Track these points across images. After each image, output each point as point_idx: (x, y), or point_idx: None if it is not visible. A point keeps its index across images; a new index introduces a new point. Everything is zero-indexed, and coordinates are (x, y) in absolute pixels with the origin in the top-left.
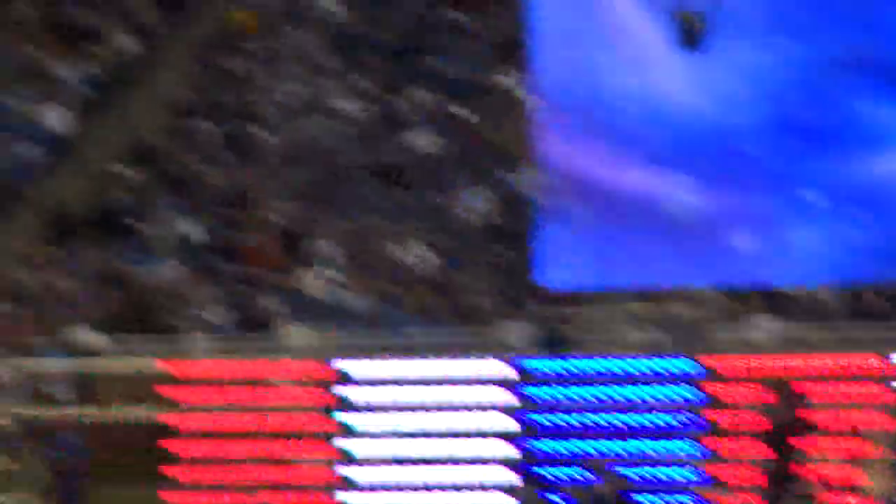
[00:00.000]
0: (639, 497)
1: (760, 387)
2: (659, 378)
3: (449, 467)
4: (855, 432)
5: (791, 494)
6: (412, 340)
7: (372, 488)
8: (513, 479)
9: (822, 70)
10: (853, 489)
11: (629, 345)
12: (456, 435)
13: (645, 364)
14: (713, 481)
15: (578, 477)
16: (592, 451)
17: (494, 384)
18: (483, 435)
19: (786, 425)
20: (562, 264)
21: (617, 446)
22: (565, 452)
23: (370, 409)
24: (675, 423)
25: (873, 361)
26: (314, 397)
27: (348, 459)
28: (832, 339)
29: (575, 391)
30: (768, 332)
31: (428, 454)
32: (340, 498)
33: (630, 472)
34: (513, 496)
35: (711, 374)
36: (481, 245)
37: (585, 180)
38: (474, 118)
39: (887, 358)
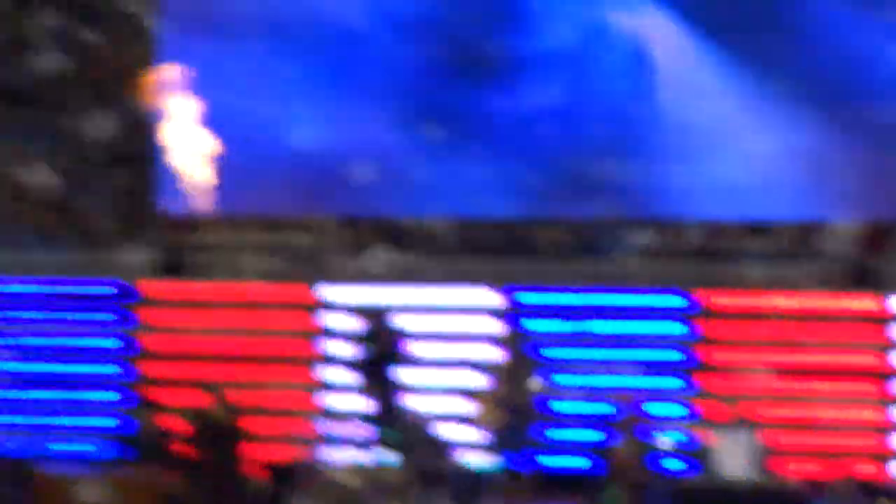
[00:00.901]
0: None
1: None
2: None
3: None
4: (462, 363)
5: (392, 424)
6: (32, 260)
7: None
8: None
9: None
10: (465, 420)
11: (249, 271)
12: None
13: None
14: None
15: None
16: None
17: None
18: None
19: (383, 356)
20: (184, 190)
21: None
22: None
23: None
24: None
25: (486, 294)
26: None
27: None
28: (446, 271)
29: None
30: (385, 263)
31: None
32: None
33: None
34: None
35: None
36: (104, 168)
37: (214, 108)
38: (101, 41)
39: (504, 291)
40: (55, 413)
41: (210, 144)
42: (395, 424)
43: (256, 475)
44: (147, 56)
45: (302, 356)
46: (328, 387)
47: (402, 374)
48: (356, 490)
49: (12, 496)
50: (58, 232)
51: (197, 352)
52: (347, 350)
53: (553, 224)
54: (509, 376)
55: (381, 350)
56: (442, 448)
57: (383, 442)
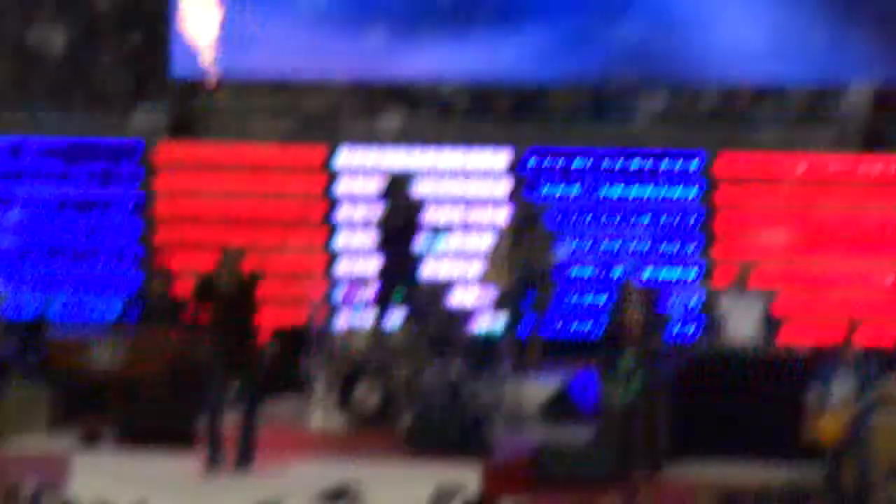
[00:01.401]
0: None
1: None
2: None
3: None
4: (478, 226)
5: (404, 287)
6: (44, 121)
7: None
8: None
9: None
10: (477, 284)
11: (260, 134)
12: None
13: None
14: None
15: None
16: None
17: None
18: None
19: (396, 219)
20: (195, 52)
21: None
22: None
23: None
24: None
25: (499, 157)
26: None
27: None
28: (458, 134)
29: None
30: (397, 126)
31: None
32: None
33: None
34: None
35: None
36: (115, 30)
37: None
38: None
39: (517, 154)
40: (68, 277)
41: (221, 6)
42: (407, 288)
43: (268, 339)
44: None
45: (314, 219)
46: (340, 250)
47: (415, 237)
48: (366, 353)
49: (26, 359)
50: (70, 94)
51: (209, 215)
52: (360, 213)
53: (567, 87)
54: (521, 240)
55: (394, 213)
56: (453, 312)
57: (395, 305)
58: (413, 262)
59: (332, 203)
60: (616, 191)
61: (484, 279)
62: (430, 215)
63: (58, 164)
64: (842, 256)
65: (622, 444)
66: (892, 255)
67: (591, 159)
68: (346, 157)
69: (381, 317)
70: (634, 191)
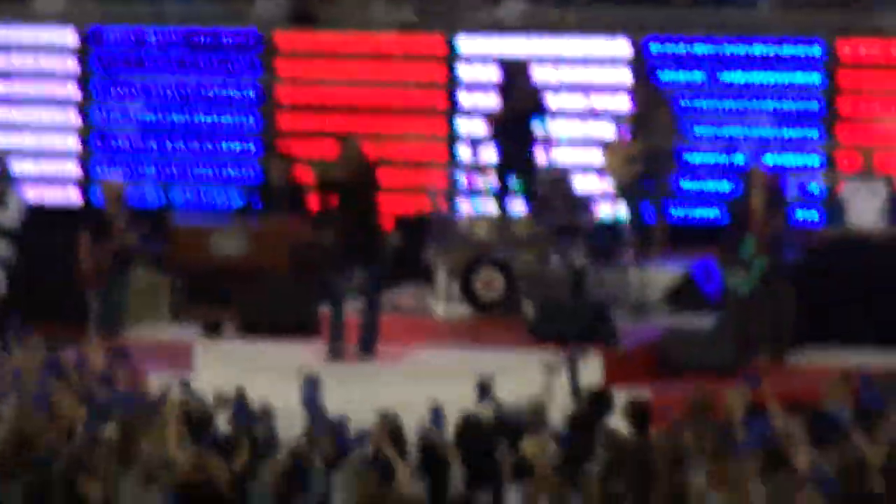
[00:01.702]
0: None
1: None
2: None
3: None
4: (600, 114)
5: (526, 175)
6: (165, 10)
7: None
8: None
9: None
10: (599, 171)
11: (380, 22)
12: None
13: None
14: None
15: None
16: None
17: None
18: None
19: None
20: None
21: None
22: None
23: None
24: None
25: (620, 43)
26: None
27: None
28: (580, 21)
29: None
30: (519, 13)
31: None
32: None
33: None
34: None
35: None
36: None
37: None
38: None
39: (638, 40)
40: (190, 164)
41: None
42: (528, 176)
43: (390, 227)
44: None
45: (436, 107)
46: (461, 138)
47: (537, 125)
48: (488, 242)
49: (149, 247)
50: None
51: (330, 103)
52: (482, 101)
53: None
54: (643, 127)
55: (516, 101)
56: (575, 200)
57: (517, 193)
58: (535, 149)
59: (453, 91)
60: (738, 76)
61: (606, 167)
62: (551, 102)
63: (180, 53)
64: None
65: (746, 331)
66: None
67: (713, 45)
68: (467, 44)
69: (503, 205)
70: (756, 76)
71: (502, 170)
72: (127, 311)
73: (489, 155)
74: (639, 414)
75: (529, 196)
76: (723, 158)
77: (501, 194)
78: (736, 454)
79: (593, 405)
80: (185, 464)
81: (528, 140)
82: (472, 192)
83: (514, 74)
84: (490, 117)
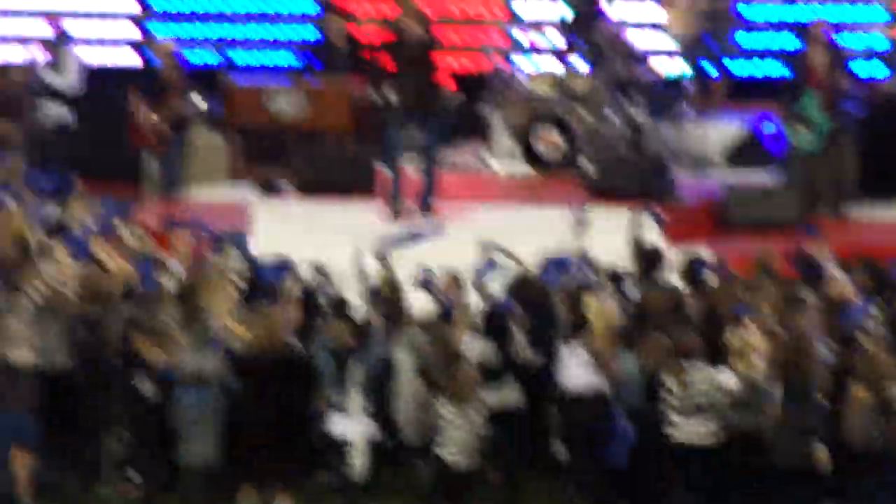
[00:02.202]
0: None
1: None
2: None
3: None
4: None
5: (585, 32)
6: None
7: None
8: None
9: None
10: (657, 27)
11: None
12: None
13: None
14: None
15: None
16: None
17: None
18: None
19: None
20: None
21: None
22: None
23: None
24: None
25: None
26: None
27: None
28: None
29: None
30: None
31: None
32: None
33: None
34: None
35: None
36: None
37: None
38: None
39: None
40: (247, 23)
41: None
42: (588, 32)
43: (448, 85)
44: None
45: None
46: None
47: None
48: (547, 98)
49: (208, 108)
50: None
51: None
52: None
53: None
54: None
55: None
56: (634, 55)
57: (574, 51)
58: (594, 5)
59: None
60: None
61: (667, 21)
62: None
63: None
64: None
65: (809, 187)
66: None
67: None
68: None
69: (562, 62)
70: None
71: (562, 26)
72: (184, 172)
73: (549, 12)
74: (695, 270)
75: (590, 52)
76: (784, 13)
77: (559, 51)
78: (798, 309)
79: (647, 262)
80: (243, 326)
81: None
82: (530, 49)
83: None
84: None
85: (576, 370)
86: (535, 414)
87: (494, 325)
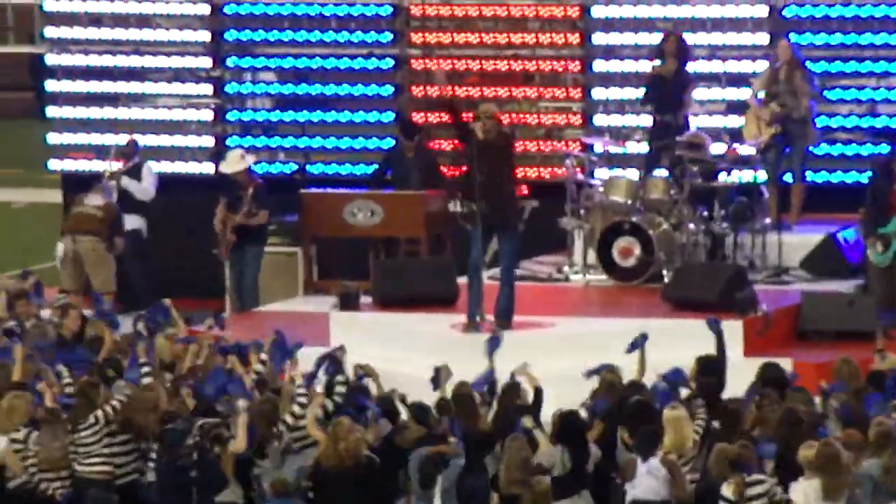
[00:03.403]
0: None
1: None
2: None
3: None
4: (737, 77)
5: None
6: None
7: None
8: None
9: None
10: (735, 135)
11: None
12: None
13: None
14: None
15: None
16: None
17: None
18: None
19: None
20: None
21: None
22: None
23: None
24: None
25: (757, 7)
26: None
27: None
28: None
29: None
30: None
31: None
32: None
33: None
34: None
35: None
36: None
37: None
38: None
39: (776, 5)
40: (325, 136)
41: None
42: (666, 141)
43: (527, 195)
44: None
45: (571, 73)
46: (598, 104)
47: (678, 90)
48: (625, 208)
49: (281, 216)
50: None
51: (464, 70)
52: (616, 67)
53: None
54: (779, 89)
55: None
56: (712, 163)
57: (653, 162)
58: (675, 115)
59: (590, 57)
60: (880, 38)
61: (744, 130)
62: (691, 66)
63: (313, 24)
64: None
65: (887, 298)
66: None
67: (851, 5)
68: (602, 10)
69: (641, 171)
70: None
71: (650, 135)
72: (257, 285)
73: (627, 121)
74: (773, 381)
75: (667, 161)
76: (862, 121)
77: (642, 161)
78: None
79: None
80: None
81: (676, 105)
82: (609, 158)
83: (676, 41)
84: (626, 82)
85: (646, 480)
86: None
87: (570, 432)
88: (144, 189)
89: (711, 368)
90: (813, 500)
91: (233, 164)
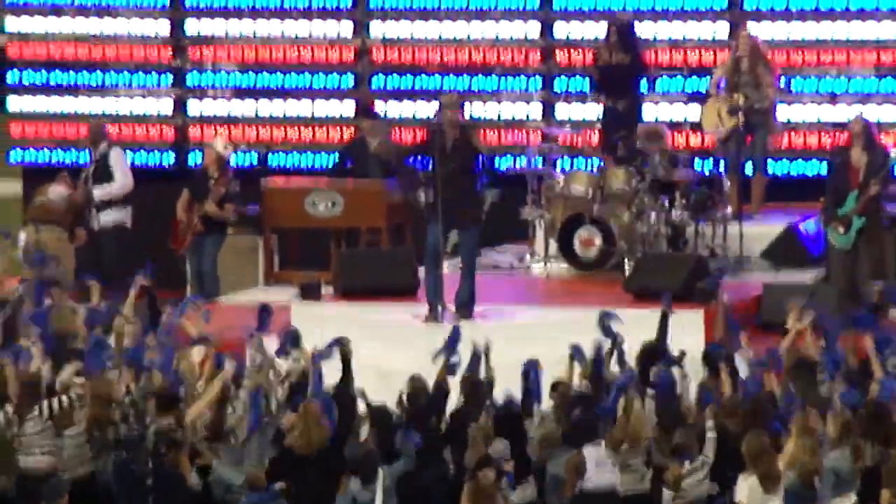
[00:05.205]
0: None
1: None
2: None
3: None
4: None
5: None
6: None
7: None
8: None
9: None
10: (694, 126)
11: None
12: None
13: None
14: None
15: None
16: None
17: None
18: None
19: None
20: None
21: None
22: None
23: None
24: None
25: None
26: None
27: None
28: None
29: None
30: None
31: None
32: None
33: None
34: None
35: None
36: None
37: None
38: None
39: None
40: (285, 125)
41: None
42: (626, 131)
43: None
44: None
45: (531, 66)
46: (557, 95)
47: (634, 81)
48: (586, 199)
49: (245, 208)
50: None
51: (423, 60)
52: (578, 58)
53: None
54: (739, 81)
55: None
56: (673, 154)
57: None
58: (632, 105)
59: (550, 48)
60: (836, 28)
61: (703, 121)
62: (650, 58)
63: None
64: None
65: (848, 286)
66: None
67: None
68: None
69: (600, 161)
70: (855, 29)
71: (605, 126)
72: (217, 275)
73: (586, 112)
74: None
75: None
76: (822, 112)
77: (600, 151)
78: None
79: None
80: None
81: (624, 96)
82: (570, 150)
83: (619, 30)
84: (587, 73)
85: (591, 467)
86: None
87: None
88: (119, 185)
89: (652, 353)
90: (756, 495)
91: (220, 148)
